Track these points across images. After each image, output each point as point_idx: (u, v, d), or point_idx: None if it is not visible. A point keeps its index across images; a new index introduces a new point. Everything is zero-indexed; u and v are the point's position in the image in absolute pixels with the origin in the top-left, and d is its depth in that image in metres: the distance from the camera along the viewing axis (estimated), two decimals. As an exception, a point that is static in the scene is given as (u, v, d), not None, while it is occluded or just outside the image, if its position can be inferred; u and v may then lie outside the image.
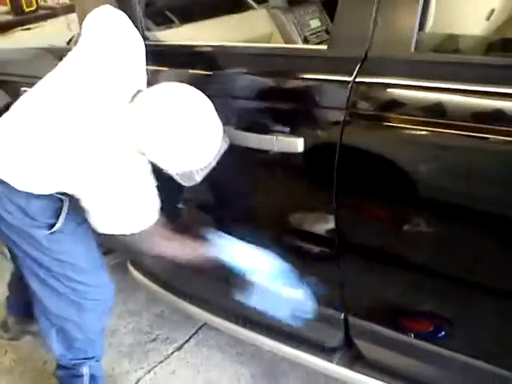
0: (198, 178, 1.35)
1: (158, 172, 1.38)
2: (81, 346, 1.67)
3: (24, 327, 2.05)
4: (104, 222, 1.38)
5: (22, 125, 1.40)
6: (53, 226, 1.45)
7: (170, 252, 1.48)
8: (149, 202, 1.38)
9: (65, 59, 1.43)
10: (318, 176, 1.36)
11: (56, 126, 1.34)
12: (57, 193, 1.42)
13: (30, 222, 1.44)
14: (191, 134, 1.27)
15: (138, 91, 1.34)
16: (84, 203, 1.36)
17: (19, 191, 1.39)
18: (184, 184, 1.35)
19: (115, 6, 1.47)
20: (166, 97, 1.28)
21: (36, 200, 1.41)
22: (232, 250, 1.46)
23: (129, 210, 1.35)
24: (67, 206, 1.45)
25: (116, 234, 1.37)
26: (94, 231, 1.45)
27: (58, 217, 1.45)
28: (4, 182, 1.40)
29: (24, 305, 1.93)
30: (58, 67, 1.43)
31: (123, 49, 1.41)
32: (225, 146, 1.33)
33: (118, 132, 1.32)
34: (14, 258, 1.72)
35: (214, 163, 1.33)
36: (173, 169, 1.32)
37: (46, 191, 1.41)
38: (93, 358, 1.72)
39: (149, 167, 1.37)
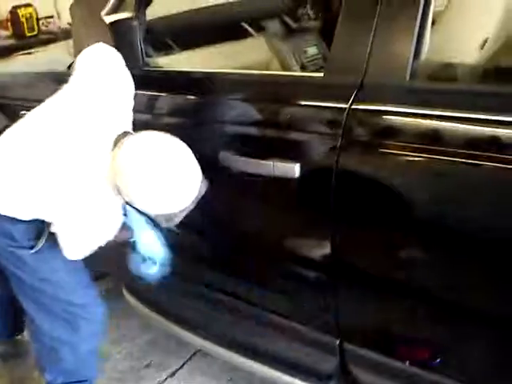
0: (177, 220, 1.43)
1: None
2: (72, 368, 1.66)
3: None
4: (72, 249, 1.45)
5: (10, 153, 1.47)
6: (33, 247, 1.49)
7: None
8: (112, 230, 1.46)
9: (57, 93, 1.49)
10: (314, 202, 1.36)
11: (42, 158, 1.42)
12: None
13: (14, 243, 1.48)
14: (170, 181, 1.34)
15: (124, 133, 1.41)
16: (57, 230, 1.42)
17: (4, 215, 1.45)
18: (163, 225, 1.46)
19: (112, 39, 1.50)
20: (146, 145, 1.36)
21: (20, 223, 1.46)
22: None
23: (96, 235, 1.44)
24: (48, 228, 1.48)
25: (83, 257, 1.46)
26: None
27: (39, 237, 1.49)
28: None
29: (4, 323, 1.96)
30: (50, 101, 1.49)
31: (113, 89, 1.46)
32: (203, 190, 1.40)
33: (100, 173, 1.39)
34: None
35: (192, 206, 1.40)
36: (152, 212, 1.42)
37: (26, 217, 1.45)
38: (85, 381, 1.70)
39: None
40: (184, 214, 1.41)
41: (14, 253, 1.50)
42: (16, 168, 1.45)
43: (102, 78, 1.46)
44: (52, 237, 1.48)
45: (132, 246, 1.58)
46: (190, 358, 2.14)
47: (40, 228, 1.48)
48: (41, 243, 1.48)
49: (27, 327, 1.76)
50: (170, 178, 1.34)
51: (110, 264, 2.06)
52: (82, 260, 1.59)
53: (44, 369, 1.70)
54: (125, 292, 2.13)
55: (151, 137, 1.38)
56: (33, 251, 1.48)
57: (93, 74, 1.46)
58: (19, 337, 2.07)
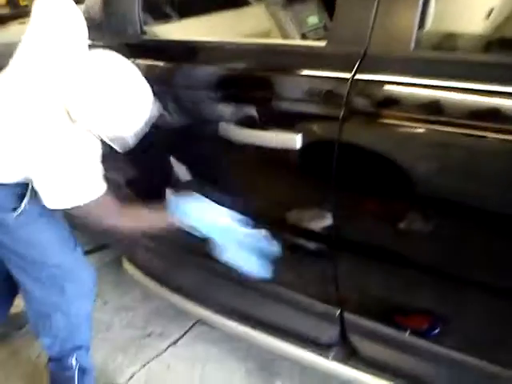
0: (131, 143, 1.42)
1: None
2: (67, 335, 1.69)
3: None
4: (52, 197, 1.40)
5: None
6: (16, 209, 1.50)
7: (127, 223, 1.51)
8: (91, 172, 1.41)
9: (18, 49, 1.48)
10: (315, 172, 1.36)
11: (3, 109, 1.42)
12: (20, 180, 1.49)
13: None
14: (120, 98, 1.35)
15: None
16: (34, 181, 1.40)
17: None
18: (117, 149, 1.42)
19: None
20: (95, 64, 1.37)
21: (1, 188, 1.47)
22: (188, 211, 1.49)
23: (73, 180, 1.39)
24: (30, 191, 1.49)
25: (64, 207, 1.41)
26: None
27: (21, 201, 1.50)
28: None
29: None
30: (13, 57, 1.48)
31: (62, 30, 1.44)
32: (156, 113, 1.42)
33: (53, 103, 1.37)
34: None
35: (146, 129, 1.41)
36: (103, 133, 1.39)
37: (6, 179, 1.47)
38: (80, 347, 1.73)
39: (90, 139, 1.41)
40: (137, 137, 1.41)
41: None
42: None
43: (51, 18, 1.44)
44: (34, 200, 1.49)
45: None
46: (191, 327, 2.17)
47: (21, 191, 1.49)
48: (23, 205, 1.49)
49: (21, 296, 1.77)
50: (120, 93, 1.35)
51: (110, 236, 2.06)
52: (76, 228, 1.63)
53: (39, 335, 1.73)
54: (125, 263, 2.14)
55: (101, 55, 1.39)
56: (16, 214, 1.49)
57: (43, 17, 1.45)
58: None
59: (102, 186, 1.41)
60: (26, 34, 1.46)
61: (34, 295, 1.65)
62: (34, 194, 1.47)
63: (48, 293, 1.63)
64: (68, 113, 1.36)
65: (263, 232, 1.45)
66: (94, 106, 1.34)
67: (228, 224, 1.47)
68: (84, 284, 1.68)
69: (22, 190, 1.49)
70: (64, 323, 1.68)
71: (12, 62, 1.47)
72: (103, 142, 1.43)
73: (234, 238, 1.47)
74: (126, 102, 1.36)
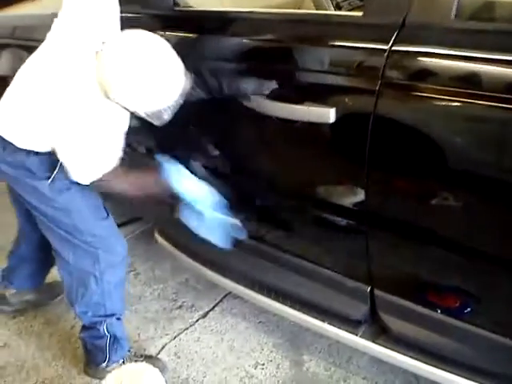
0: (167, 117, 1.44)
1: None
2: (99, 300, 1.73)
3: (22, 298, 2.13)
4: (76, 169, 1.48)
5: (15, 89, 1.56)
6: (50, 177, 1.55)
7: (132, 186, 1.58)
8: (115, 147, 1.49)
9: (50, 32, 1.52)
10: (349, 148, 1.33)
11: (39, 84, 1.48)
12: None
13: (29, 174, 1.56)
14: (152, 72, 1.38)
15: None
16: (63, 154, 1.47)
17: (19, 149, 1.54)
18: (155, 123, 1.45)
19: None
20: (127, 42, 1.40)
21: (34, 156, 1.54)
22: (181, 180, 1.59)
23: (98, 155, 1.46)
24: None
25: (88, 181, 1.49)
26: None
27: (54, 170, 1.55)
28: (6, 141, 1.55)
29: (27, 277, 2.08)
30: (46, 38, 1.53)
31: (96, 7, 1.45)
32: (188, 85, 1.44)
33: (88, 79, 1.42)
34: (23, 223, 1.88)
35: (180, 101, 1.43)
36: (140, 109, 1.43)
37: (39, 147, 1.53)
38: (112, 315, 1.77)
39: (121, 113, 1.47)
40: (172, 110, 1.44)
41: (31, 184, 1.58)
42: (22, 99, 1.53)
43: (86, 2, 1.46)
44: (65, 169, 1.54)
45: (179, 198, 1.60)
46: (221, 300, 2.18)
47: (54, 160, 1.52)
48: (55, 173, 1.54)
49: (56, 263, 1.81)
50: (153, 69, 1.38)
51: (143, 208, 2.08)
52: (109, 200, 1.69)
53: (73, 302, 1.77)
54: (157, 235, 2.16)
55: (132, 34, 1.41)
56: (49, 181, 1.55)
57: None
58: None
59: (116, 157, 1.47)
60: (62, 10, 1.48)
61: (68, 262, 1.70)
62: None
63: (82, 260, 1.68)
64: (104, 91, 1.41)
65: (234, 221, 1.58)
66: (128, 84, 1.38)
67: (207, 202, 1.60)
68: (117, 253, 1.72)
69: (54, 158, 1.52)
70: (96, 290, 1.71)
71: (49, 37, 1.50)
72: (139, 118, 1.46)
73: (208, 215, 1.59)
74: (159, 77, 1.39)
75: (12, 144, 1.54)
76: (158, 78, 1.39)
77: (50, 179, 1.55)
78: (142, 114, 1.44)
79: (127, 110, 1.44)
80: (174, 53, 1.42)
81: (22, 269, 2.05)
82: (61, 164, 1.52)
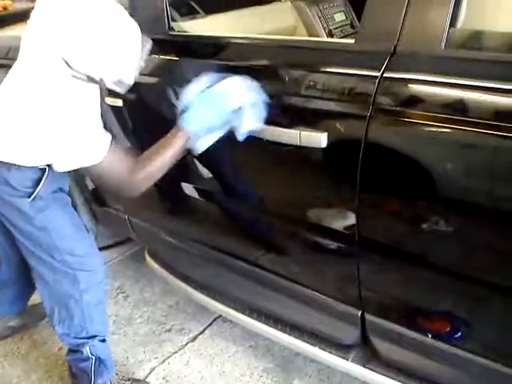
0: (128, 83, 1.42)
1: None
2: (80, 322, 1.71)
3: (6, 324, 2.11)
4: (62, 158, 1.42)
5: None
6: (32, 194, 1.52)
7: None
8: (94, 127, 1.41)
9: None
10: (340, 172, 1.34)
11: (8, 90, 1.46)
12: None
13: (11, 190, 1.52)
14: (109, 34, 1.35)
15: None
16: (46, 144, 1.41)
17: (1, 163, 1.49)
18: (119, 91, 1.43)
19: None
20: (78, 7, 1.35)
21: (16, 171, 1.50)
22: None
23: (79, 137, 1.38)
24: (46, 175, 1.52)
25: (75, 167, 1.42)
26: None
27: (37, 186, 1.52)
28: None
29: (10, 302, 2.06)
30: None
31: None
32: (148, 47, 1.43)
33: (51, 58, 1.36)
34: (1, 246, 1.83)
35: (142, 64, 1.42)
36: (103, 74, 1.38)
37: (21, 160, 1.48)
38: (95, 336, 1.75)
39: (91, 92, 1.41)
40: (134, 74, 1.41)
41: (11, 202, 1.54)
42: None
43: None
44: (48, 185, 1.53)
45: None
46: (211, 324, 2.17)
47: (37, 176, 1.51)
48: (38, 189, 1.52)
49: (36, 284, 1.79)
50: (110, 31, 1.35)
51: (133, 229, 2.07)
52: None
53: (54, 324, 1.75)
54: (147, 257, 2.15)
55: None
56: (30, 199, 1.52)
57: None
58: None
59: (106, 140, 1.42)
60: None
61: (48, 282, 1.68)
62: (49, 178, 1.52)
63: (61, 280, 1.66)
64: (66, 63, 1.36)
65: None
66: (87, 46, 1.35)
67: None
68: (95, 273, 1.70)
69: (38, 174, 1.51)
70: (76, 312, 1.70)
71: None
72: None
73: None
74: (116, 38, 1.36)
75: None
76: (115, 39, 1.36)
77: (32, 197, 1.52)
78: (107, 83, 1.39)
79: (92, 80, 1.38)
80: (127, 15, 1.41)
81: (4, 294, 2.02)
82: (44, 180, 1.51)
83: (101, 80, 1.38)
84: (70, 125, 1.36)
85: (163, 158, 1.42)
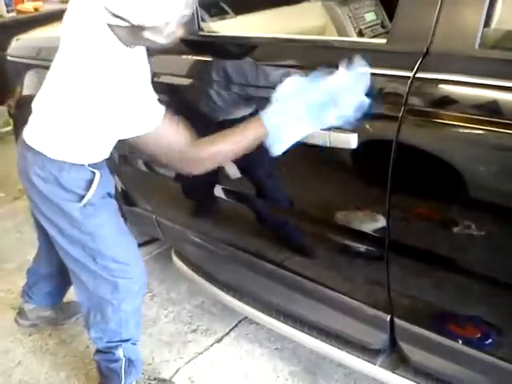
0: (177, 34, 1.32)
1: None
2: (115, 328, 1.71)
3: (40, 314, 2.13)
4: (117, 127, 1.36)
5: (42, 98, 1.51)
6: (83, 197, 1.52)
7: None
8: (148, 97, 1.36)
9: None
10: (371, 173, 1.32)
11: (60, 80, 1.42)
12: (90, 165, 1.52)
13: (62, 192, 1.52)
14: None
15: None
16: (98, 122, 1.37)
17: (53, 162, 1.49)
18: (163, 43, 1.32)
19: None
20: None
21: (68, 171, 1.50)
22: None
23: (135, 106, 1.32)
24: (98, 179, 1.53)
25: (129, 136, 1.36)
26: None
27: (88, 189, 1.52)
28: (37, 152, 1.50)
29: (45, 294, 2.07)
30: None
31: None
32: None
33: (96, 27, 1.31)
34: (44, 242, 1.85)
35: (186, 13, 1.29)
36: (145, 20, 1.26)
37: (73, 158, 1.49)
38: (128, 340, 1.74)
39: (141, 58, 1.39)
40: (176, 25, 1.30)
41: (61, 205, 1.53)
42: (48, 107, 1.48)
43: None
44: (99, 191, 1.53)
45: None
46: (236, 325, 2.16)
47: (90, 178, 1.51)
48: (90, 194, 1.52)
49: (74, 285, 1.78)
50: None
51: (160, 229, 2.08)
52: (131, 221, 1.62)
53: (89, 326, 1.75)
54: (174, 257, 2.16)
55: None
56: (82, 204, 1.52)
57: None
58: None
59: (159, 109, 1.36)
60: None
61: (87, 287, 1.67)
62: (99, 182, 1.52)
63: (101, 287, 1.65)
64: (106, 9, 1.27)
65: None
66: None
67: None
68: (136, 281, 1.69)
69: (90, 176, 1.52)
70: (113, 318, 1.69)
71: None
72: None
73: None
74: None
75: (43, 155, 1.50)
76: None
77: (83, 202, 1.52)
78: (147, 33, 1.29)
79: (131, 25, 1.27)
80: None
81: (42, 286, 2.05)
82: (96, 183, 1.51)
83: (140, 27, 1.27)
84: (122, 96, 1.31)
85: (231, 143, 1.37)
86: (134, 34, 1.31)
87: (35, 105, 1.55)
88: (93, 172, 1.53)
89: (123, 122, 1.34)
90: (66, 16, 1.43)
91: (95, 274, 1.63)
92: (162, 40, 1.32)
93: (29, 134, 1.56)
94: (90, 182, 1.53)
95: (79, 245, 1.60)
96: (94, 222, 1.57)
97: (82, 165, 1.52)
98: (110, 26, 1.30)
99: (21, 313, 2.15)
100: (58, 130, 1.49)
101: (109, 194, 1.63)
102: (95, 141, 1.51)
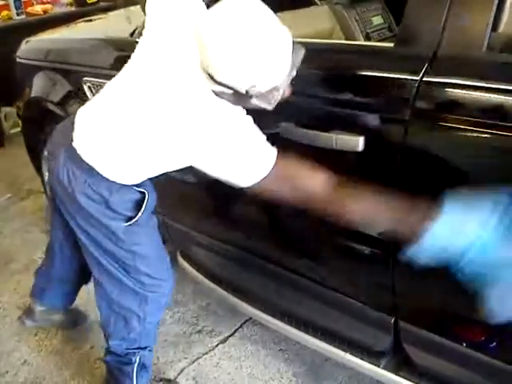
0: (276, 98, 1.25)
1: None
2: (137, 337, 1.69)
3: (49, 316, 2.06)
4: (240, 175, 1.32)
5: (108, 112, 1.44)
6: (131, 218, 1.49)
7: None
8: (255, 140, 1.31)
9: (137, 48, 1.43)
10: (377, 176, 1.33)
11: (139, 108, 1.35)
12: (137, 185, 1.48)
13: (110, 213, 1.48)
14: (258, 40, 1.16)
15: None
16: (205, 168, 1.33)
17: (103, 181, 1.44)
18: (267, 108, 1.26)
19: None
20: (226, 13, 1.19)
21: (117, 192, 1.46)
22: None
23: (244, 152, 1.29)
24: (147, 199, 1.50)
25: (255, 182, 1.30)
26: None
27: (136, 209, 1.49)
28: (91, 170, 1.43)
29: (59, 296, 2.00)
30: (133, 55, 1.43)
31: (183, 18, 1.35)
32: (300, 55, 1.25)
33: (195, 80, 1.26)
34: (65, 247, 1.79)
35: (293, 73, 1.25)
36: (253, 85, 1.20)
37: (127, 179, 1.45)
38: (146, 347, 1.74)
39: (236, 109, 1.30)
40: (283, 89, 1.25)
41: (105, 222, 1.49)
42: (117, 125, 1.41)
43: (171, 10, 1.37)
44: (147, 210, 1.51)
45: None
46: (241, 326, 2.17)
47: (139, 198, 1.49)
48: (139, 216, 1.49)
49: (95, 291, 1.72)
50: (259, 37, 1.16)
51: (167, 230, 2.09)
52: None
53: (109, 335, 1.72)
54: (179, 258, 2.16)
55: (228, 2, 1.20)
56: (128, 224, 1.49)
57: (162, 11, 1.38)
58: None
59: (271, 152, 1.30)
60: (147, 35, 1.40)
61: (111, 296, 1.64)
62: (148, 202, 1.50)
63: (127, 298, 1.62)
64: (209, 76, 1.22)
65: None
66: (235, 52, 1.16)
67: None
68: (165, 296, 1.69)
69: (138, 196, 1.49)
70: (137, 328, 1.67)
71: (134, 55, 1.42)
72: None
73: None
74: (268, 42, 1.18)
75: (95, 171, 1.43)
76: (268, 43, 1.17)
77: (130, 222, 1.49)
78: (254, 100, 1.23)
79: (238, 92, 1.22)
80: (277, 20, 1.22)
81: (51, 288, 1.97)
82: (145, 204, 1.48)
83: (246, 93, 1.22)
84: (229, 147, 1.27)
85: (375, 204, 1.23)
86: (240, 99, 1.26)
87: (96, 116, 1.48)
88: (142, 192, 1.50)
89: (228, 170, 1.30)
90: (145, 32, 1.40)
91: (123, 284, 1.60)
92: (269, 106, 1.27)
93: (86, 148, 1.46)
94: (138, 202, 1.50)
95: (115, 259, 1.56)
96: (136, 239, 1.54)
97: (131, 186, 1.48)
98: (213, 91, 1.26)
99: (29, 313, 2.07)
100: (129, 157, 1.42)
101: (152, 212, 1.59)
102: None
